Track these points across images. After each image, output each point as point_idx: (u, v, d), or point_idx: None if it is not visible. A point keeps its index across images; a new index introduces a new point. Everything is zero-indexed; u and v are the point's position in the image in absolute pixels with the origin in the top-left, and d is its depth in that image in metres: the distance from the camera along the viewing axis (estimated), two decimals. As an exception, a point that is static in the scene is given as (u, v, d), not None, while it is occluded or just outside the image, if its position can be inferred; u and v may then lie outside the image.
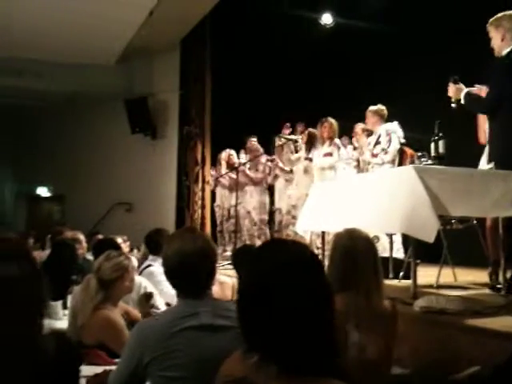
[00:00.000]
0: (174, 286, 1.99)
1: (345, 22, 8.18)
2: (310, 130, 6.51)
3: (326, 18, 8.46)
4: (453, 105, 3.75)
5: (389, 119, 5.55)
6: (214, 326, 1.84)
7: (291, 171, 6.72)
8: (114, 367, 2.43)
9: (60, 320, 3.47)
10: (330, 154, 6.01)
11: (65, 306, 3.81)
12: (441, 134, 3.70)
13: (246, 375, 1.23)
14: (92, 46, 8.90)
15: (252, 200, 7.28)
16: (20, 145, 11.54)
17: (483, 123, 4.00)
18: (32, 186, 11.95)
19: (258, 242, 6.56)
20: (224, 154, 8.01)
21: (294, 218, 6.23)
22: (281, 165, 6.96)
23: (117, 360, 2.55)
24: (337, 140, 6.09)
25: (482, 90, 3.79)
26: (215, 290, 2.15)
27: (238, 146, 8.04)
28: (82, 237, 5.38)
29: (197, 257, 1.92)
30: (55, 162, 11.05)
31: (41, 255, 5.64)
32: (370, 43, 7.47)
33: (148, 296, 3.04)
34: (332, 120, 6.13)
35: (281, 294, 1.19)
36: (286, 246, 1.32)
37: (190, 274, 1.91)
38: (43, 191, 12.03)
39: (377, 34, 7.28)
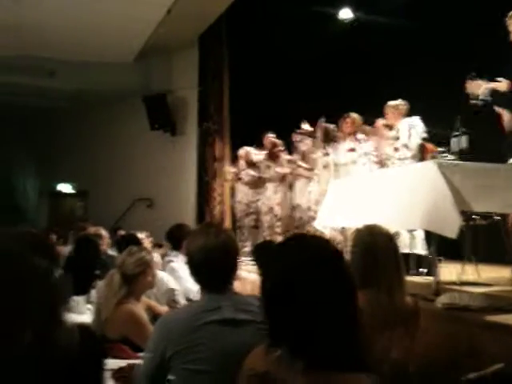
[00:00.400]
0: (198, 281, 2.01)
1: (364, 16, 8.12)
2: (326, 125, 6.49)
3: (345, 13, 8.40)
4: (472, 101, 3.71)
5: (409, 114, 5.51)
6: (236, 320, 1.85)
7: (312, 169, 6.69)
8: (137, 361, 2.47)
9: (83, 314, 3.51)
10: (353, 150, 5.99)
11: (88, 301, 3.87)
12: (463, 129, 3.66)
13: (269, 370, 1.25)
14: (111, 45, 8.99)
15: (275, 196, 7.26)
16: (43, 142, 11.73)
17: (504, 115, 3.95)
18: (54, 183, 12.13)
19: (279, 238, 6.56)
20: (242, 151, 8.03)
21: (315, 213, 6.22)
22: (303, 164, 6.96)
23: (140, 354, 2.59)
24: (359, 135, 6.06)
25: (503, 84, 3.74)
26: (235, 285, 2.18)
27: (257, 142, 8.05)
28: (104, 232, 5.45)
29: (220, 252, 1.93)
30: (77, 159, 11.22)
31: (63, 251, 5.73)
32: (390, 38, 7.40)
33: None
34: (354, 115, 6.10)
35: (305, 288, 1.20)
36: (310, 240, 1.33)
37: (213, 269, 1.93)
38: (65, 188, 12.20)
39: (396, 29, 7.20)
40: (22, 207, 11.69)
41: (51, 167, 11.76)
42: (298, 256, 1.25)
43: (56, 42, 8.71)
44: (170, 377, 1.98)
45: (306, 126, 6.98)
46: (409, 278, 4.00)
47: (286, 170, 7.24)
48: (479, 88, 3.63)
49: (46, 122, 11.68)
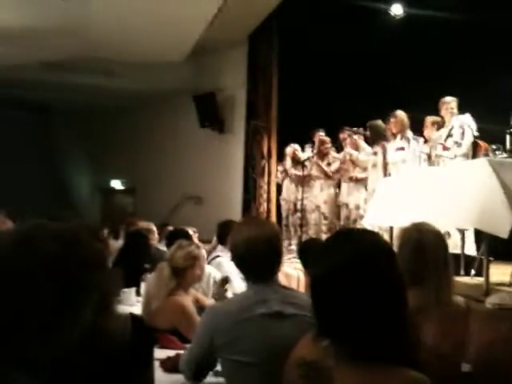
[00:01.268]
0: (242, 272, 2.03)
1: (414, 12, 7.96)
2: (372, 122, 6.42)
3: (396, 9, 8.27)
4: None
5: (461, 111, 5.38)
6: (283, 313, 1.86)
7: (365, 169, 6.62)
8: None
9: (133, 306, 3.60)
10: (402, 148, 5.89)
11: (138, 293, 3.99)
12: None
13: (317, 359, 1.27)
14: (164, 45, 9.18)
15: (322, 194, 7.24)
16: (95, 140, 12.13)
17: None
18: (107, 180, 12.49)
19: (324, 236, 6.54)
20: (289, 149, 8.03)
21: (363, 212, 6.17)
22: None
23: (187, 345, 2.66)
24: (408, 133, 5.94)
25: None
26: (281, 281, 2.19)
27: (304, 140, 8.04)
28: (154, 228, 5.58)
29: (262, 243, 1.94)
30: (128, 156, 11.52)
31: (114, 245, 5.91)
32: (440, 33, 7.24)
33: (224, 280, 3.15)
34: (400, 114, 5.98)
35: (355, 282, 1.20)
36: (361, 234, 1.34)
37: (257, 261, 1.94)
38: (117, 184, 12.54)
39: (448, 24, 7.04)
40: (76, 203, 12.11)
41: (104, 164, 12.13)
42: (350, 250, 1.25)
43: (114, 44, 9.00)
44: (218, 368, 2.03)
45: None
46: (459, 279, 3.93)
47: (331, 168, 7.20)
48: None
49: (102, 121, 12.08)
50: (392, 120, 6.02)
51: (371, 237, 1.35)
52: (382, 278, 1.23)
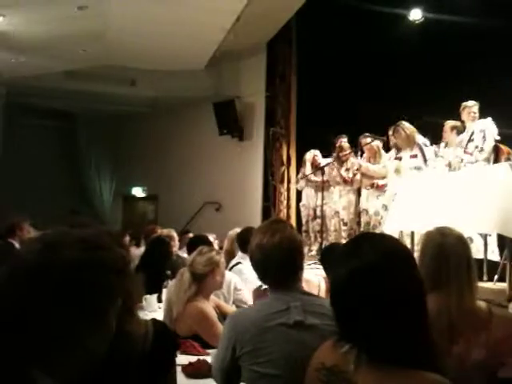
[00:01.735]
0: (262, 278, 2.01)
1: (434, 17, 7.92)
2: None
3: (415, 14, 8.23)
4: None
5: (482, 115, 5.33)
6: (304, 323, 1.82)
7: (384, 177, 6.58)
8: (207, 357, 2.55)
9: (155, 312, 3.61)
10: (415, 156, 5.85)
11: (159, 300, 4.02)
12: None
13: (337, 363, 1.28)
14: (184, 53, 9.28)
15: (341, 200, 7.22)
16: (117, 148, 12.29)
17: None
18: (128, 187, 12.62)
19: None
20: (309, 155, 8.03)
21: (383, 218, 6.12)
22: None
23: (209, 350, 2.67)
24: (420, 139, 5.87)
25: None
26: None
27: (324, 146, 8.02)
28: (175, 234, 5.63)
29: (283, 249, 1.91)
30: (149, 163, 11.64)
31: (135, 252, 5.96)
32: (460, 37, 7.17)
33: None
34: (403, 129, 5.90)
35: (377, 285, 1.21)
36: (381, 239, 1.35)
37: (277, 267, 1.91)
38: (138, 191, 12.66)
39: (468, 28, 6.98)
40: (98, 210, 12.25)
41: (126, 171, 12.27)
42: (371, 254, 1.25)
43: (136, 53, 9.14)
44: (242, 376, 2.02)
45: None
46: (482, 284, 3.88)
47: (350, 174, 7.16)
48: None
49: (123, 128, 12.25)
50: (394, 135, 6.00)
51: (391, 241, 1.35)
52: (403, 282, 1.24)
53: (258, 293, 3.17)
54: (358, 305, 1.22)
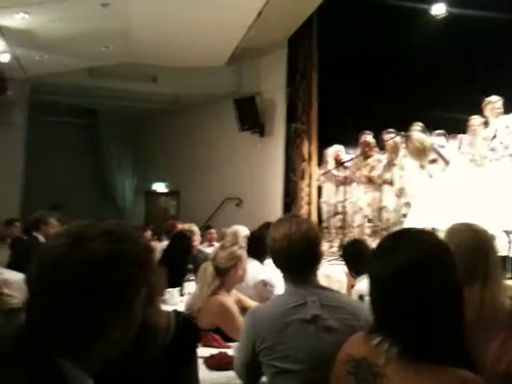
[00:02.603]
0: (280, 270, 2.00)
1: (457, 11, 7.79)
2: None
3: (438, 9, 8.11)
4: None
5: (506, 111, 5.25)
6: (321, 317, 1.83)
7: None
8: (228, 350, 2.57)
9: (176, 305, 3.65)
10: (435, 161, 5.81)
11: (181, 293, 4.06)
12: None
13: (366, 356, 1.28)
14: (205, 50, 9.32)
15: (366, 196, 7.16)
16: (140, 144, 12.41)
17: None
18: (150, 182, 12.74)
19: (367, 239, 6.46)
20: (332, 151, 7.99)
21: (404, 216, 6.06)
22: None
23: (230, 344, 2.69)
24: (435, 142, 5.80)
25: None
26: (322, 283, 2.15)
27: (345, 143, 7.98)
28: (196, 229, 5.67)
29: (300, 241, 1.91)
30: (171, 159, 11.73)
31: (157, 246, 6.02)
32: (483, 32, 7.04)
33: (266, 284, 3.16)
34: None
35: (420, 281, 1.22)
36: (420, 235, 1.35)
37: (295, 259, 1.91)
38: (160, 187, 12.76)
39: (491, 23, 6.85)
40: (120, 205, 12.39)
41: (148, 167, 12.38)
42: (414, 250, 1.26)
43: (157, 50, 9.22)
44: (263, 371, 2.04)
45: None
46: (505, 282, 3.82)
47: (373, 172, 7.09)
48: None
49: (145, 125, 12.36)
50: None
51: (431, 237, 1.36)
52: (445, 279, 1.25)
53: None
54: (398, 299, 1.23)
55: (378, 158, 7.14)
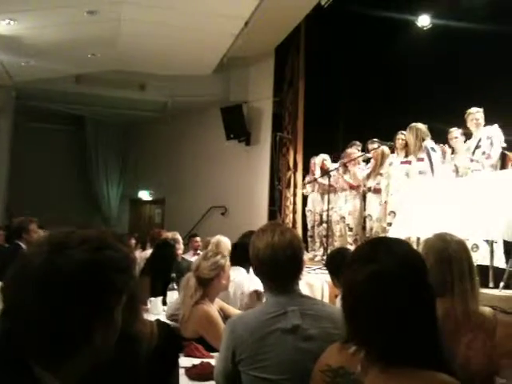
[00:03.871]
0: (268, 278, 1.97)
1: (442, 23, 7.90)
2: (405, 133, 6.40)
3: (423, 20, 8.22)
4: None
5: (488, 122, 5.32)
6: (302, 327, 1.82)
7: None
8: (210, 360, 2.56)
9: (159, 315, 3.62)
10: (422, 159, 5.84)
11: (164, 303, 4.04)
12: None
13: (343, 365, 1.29)
14: (192, 59, 9.34)
15: (347, 205, 7.20)
16: (126, 151, 12.37)
17: None
18: (135, 190, 12.68)
19: (351, 247, 6.49)
20: (318, 159, 8.03)
21: (389, 224, 6.09)
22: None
23: (213, 354, 2.68)
24: (428, 144, 5.85)
25: None
26: (304, 292, 2.14)
27: (331, 152, 8.02)
28: (179, 237, 5.64)
29: (293, 247, 1.91)
30: (157, 167, 11.69)
31: (141, 255, 5.99)
32: (466, 44, 7.15)
33: (260, 294, 3.15)
34: (415, 128, 5.93)
35: (393, 288, 1.23)
36: (395, 243, 1.36)
37: (284, 265, 1.90)
38: (145, 195, 12.70)
39: (477, 35, 6.96)
40: (105, 213, 12.31)
41: (133, 175, 12.34)
42: (387, 258, 1.27)
43: (145, 58, 9.22)
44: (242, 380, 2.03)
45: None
46: (488, 291, 3.87)
47: (355, 181, 7.14)
48: None
49: (132, 132, 12.34)
50: (407, 134, 6.03)
51: (407, 247, 1.38)
52: (419, 287, 1.27)
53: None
54: (372, 307, 1.24)
55: (361, 167, 7.18)
